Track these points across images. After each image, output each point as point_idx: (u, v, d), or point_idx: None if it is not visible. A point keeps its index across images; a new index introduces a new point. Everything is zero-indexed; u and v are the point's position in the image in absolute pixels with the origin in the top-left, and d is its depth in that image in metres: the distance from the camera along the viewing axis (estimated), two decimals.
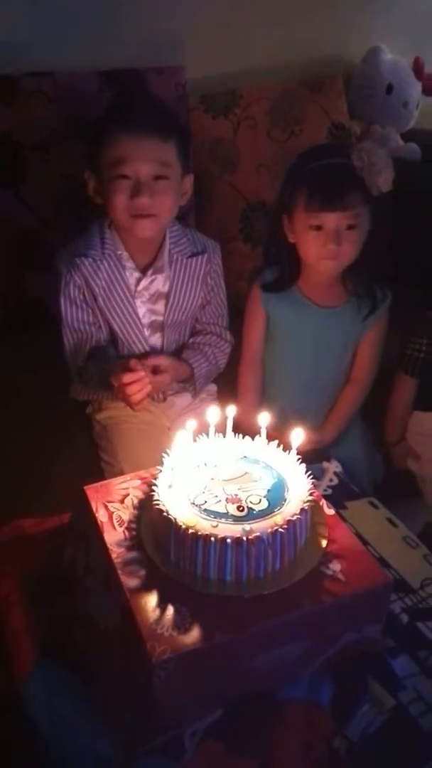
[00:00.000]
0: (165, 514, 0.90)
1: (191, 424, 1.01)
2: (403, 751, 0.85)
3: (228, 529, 0.87)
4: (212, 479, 0.96)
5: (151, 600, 0.86)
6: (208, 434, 1.03)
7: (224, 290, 1.48)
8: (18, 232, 1.62)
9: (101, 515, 0.98)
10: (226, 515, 0.90)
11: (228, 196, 1.83)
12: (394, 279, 1.58)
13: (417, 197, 1.85)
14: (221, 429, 1.03)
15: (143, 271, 1.39)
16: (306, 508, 0.92)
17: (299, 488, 0.95)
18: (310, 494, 0.95)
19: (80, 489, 1.03)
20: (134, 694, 0.85)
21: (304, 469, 0.98)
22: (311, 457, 1.12)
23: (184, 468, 0.97)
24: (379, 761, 0.84)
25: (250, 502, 0.92)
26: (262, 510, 0.91)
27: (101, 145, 1.29)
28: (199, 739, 0.84)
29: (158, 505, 0.91)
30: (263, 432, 1.03)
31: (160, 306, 1.42)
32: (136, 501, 1.01)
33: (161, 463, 0.98)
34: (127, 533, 0.95)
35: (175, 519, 0.89)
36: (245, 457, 1.01)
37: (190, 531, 0.87)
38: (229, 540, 0.86)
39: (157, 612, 0.85)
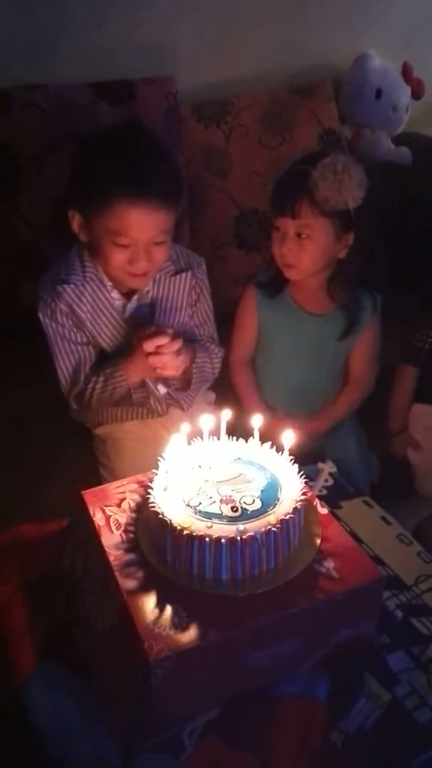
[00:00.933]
0: (160, 516, 0.91)
1: (185, 427, 1.02)
2: (398, 744, 0.86)
3: (222, 530, 0.89)
4: (206, 481, 0.98)
5: (149, 600, 0.88)
6: (202, 437, 1.05)
7: (210, 303, 1.46)
8: (14, 243, 1.65)
9: (99, 519, 1.00)
10: (220, 516, 0.91)
11: (221, 203, 1.85)
12: (387, 282, 1.60)
13: (408, 200, 1.88)
14: (215, 432, 1.05)
15: (127, 296, 1.37)
16: (299, 507, 0.93)
17: (292, 488, 0.96)
18: (303, 494, 0.96)
19: (78, 494, 1.04)
20: (133, 693, 0.86)
21: (297, 469, 0.99)
22: (306, 455, 1.14)
23: (178, 470, 0.98)
24: (375, 754, 0.85)
25: (244, 503, 0.94)
26: (256, 510, 0.93)
27: (98, 206, 1.23)
28: (198, 736, 0.85)
29: (154, 507, 0.93)
30: (256, 434, 1.05)
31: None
32: (132, 504, 1.02)
33: (157, 467, 0.99)
34: (124, 536, 0.97)
35: (170, 520, 0.90)
36: (239, 458, 1.03)
37: (186, 532, 0.88)
38: (223, 540, 0.87)
39: (155, 612, 0.86)
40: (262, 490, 0.96)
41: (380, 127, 2.12)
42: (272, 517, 0.91)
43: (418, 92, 2.17)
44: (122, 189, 1.21)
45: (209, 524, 0.90)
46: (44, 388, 1.45)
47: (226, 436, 1.05)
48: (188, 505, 0.93)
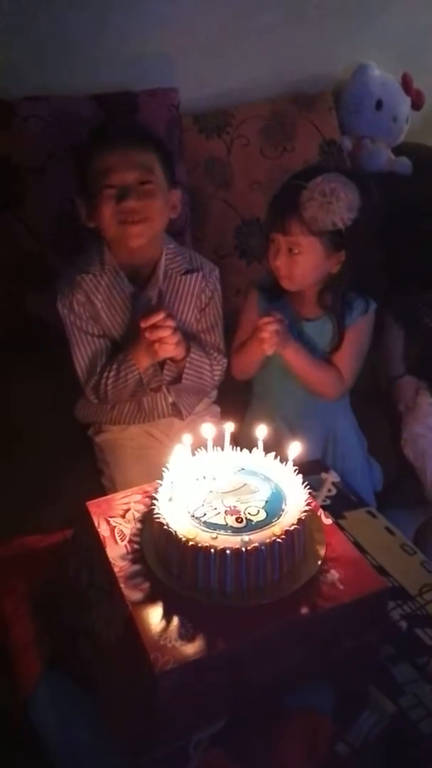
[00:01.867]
0: (165, 527, 0.92)
1: (188, 438, 1.03)
2: (404, 756, 0.86)
3: (227, 541, 0.89)
4: (211, 492, 0.98)
5: (154, 612, 0.88)
6: (206, 448, 1.05)
7: (220, 312, 1.47)
8: (18, 254, 1.65)
9: (103, 530, 1.00)
10: (225, 527, 0.92)
11: (223, 214, 1.86)
12: (388, 291, 1.61)
13: (408, 210, 1.89)
14: (219, 442, 1.05)
15: (140, 287, 1.41)
16: (303, 518, 0.93)
17: (296, 499, 0.97)
18: (308, 504, 0.96)
19: (82, 505, 1.05)
20: (138, 704, 0.86)
21: (301, 480, 0.99)
22: (309, 468, 1.14)
23: (183, 481, 0.99)
24: (381, 766, 0.85)
25: (249, 514, 0.94)
26: (261, 521, 0.93)
27: (87, 165, 1.34)
28: (204, 748, 0.85)
29: (159, 518, 0.93)
30: (260, 444, 1.05)
31: None
32: (137, 515, 1.02)
33: (161, 478, 1.00)
34: (128, 547, 0.97)
35: (175, 532, 0.90)
36: (243, 469, 1.03)
37: (191, 543, 0.89)
38: (228, 551, 0.87)
39: (160, 623, 0.86)
40: (266, 501, 0.97)
41: (380, 137, 2.14)
42: (277, 528, 0.91)
43: (417, 103, 2.18)
44: (95, 139, 1.38)
45: (214, 535, 0.90)
46: (48, 399, 1.46)
47: (230, 446, 1.06)
48: (193, 516, 0.93)
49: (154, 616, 0.88)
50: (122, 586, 0.91)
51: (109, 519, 1.02)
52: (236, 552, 0.88)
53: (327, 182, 1.29)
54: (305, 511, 0.95)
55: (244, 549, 0.88)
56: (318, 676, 0.92)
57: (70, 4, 1.70)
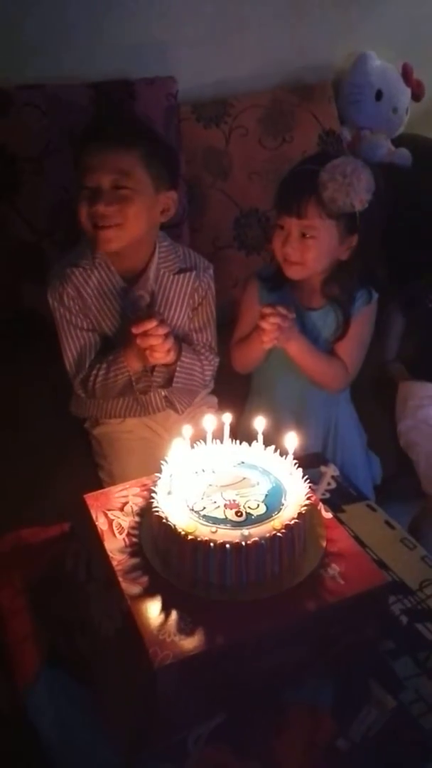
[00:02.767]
0: (164, 520, 0.91)
1: (188, 430, 1.02)
2: (404, 752, 0.86)
3: (227, 535, 0.88)
4: (210, 485, 0.97)
5: (153, 606, 0.87)
6: (205, 441, 1.04)
7: (213, 311, 1.46)
8: (14, 244, 1.64)
9: (101, 523, 0.99)
10: (224, 521, 0.91)
11: (221, 204, 1.85)
12: (388, 283, 1.60)
13: (408, 202, 1.88)
14: (219, 435, 1.04)
15: (130, 284, 1.39)
16: (303, 512, 0.93)
17: (297, 492, 0.96)
18: (308, 498, 0.96)
19: (80, 497, 1.04)
20: (137, 699, 0.85)
21: (301, 474, 0.99)
22: (308, 461, 1.13)
23: (182, 474, 0.98)
24: (381, 762, 0.85)
25: (249, 507, 0.93)
26: (261, 515, 0.92)
27: (75, 159, 1.32)
28: (203, 742, 0.85)
29: (157, 512, 0.92)
30: (260, 437, 1.04)
31: None
32: (135, 508, 1.02)
33: (160, 471, 0.99)
34: (127, 540, 0.96)
35: (174, 525, 0.90)
36: (242, 462, 1.02)
37: (190, 537, 0.88)
38: (228, 545, 0.87)
39: (159, 617, 0.86)
40: (266, 495, 0.96)
41: (380, 128, 2.12)
42: (277, 522, 0.91)
43: (418, 94, 2.17)
44: (84, 141, 1.32)
45: (214, 529, 0.89)
46: (44, 390, 1.45)
47: (229, 439, 1.05)
48: (192, 510, 0.92)
49: (153, 610, 0.87)
50: (121, 579, 0.90)
51: (107, 512, 1.01)
52: (236, 546, 0.87)
53: (346, 164, 1.28)
54: (306, 505, 0.94)
55: (244, 543, 0.87)
56: (318, 670, 0.91)
57: None
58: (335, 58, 2.10)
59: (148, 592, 0.89)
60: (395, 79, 2.12)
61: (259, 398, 1.51)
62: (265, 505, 0.94)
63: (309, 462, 1.17)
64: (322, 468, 1.24)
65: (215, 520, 0.91)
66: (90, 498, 1.04)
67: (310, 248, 1.34)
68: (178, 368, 1.36)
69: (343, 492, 1.22)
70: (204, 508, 0.93)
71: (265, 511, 0.93)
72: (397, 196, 1.71)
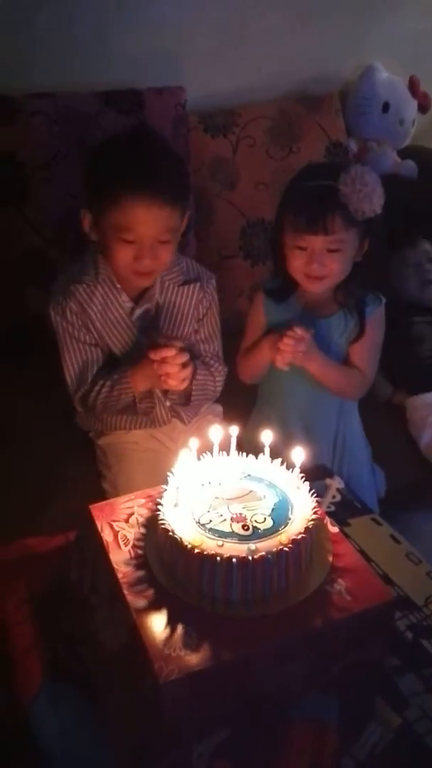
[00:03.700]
0: (171, 533, 0.90)
1: (194, 442, 1.02)
2: None
3: (233, 549, 0.88)
4: (217, 498, 0.97)
5: (158, 620, 0.87)
6: (211, 453, 1.04)
7: (217, 321, 1.46)
8: (22, 250, 1.64)
9: (107, 534, 0.99)
10: (231, 534, 0.90)
11: (228, 214, 1.85)
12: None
13: (413, 213, 1.88)
14: (225, 447, 1.04)
15: (136, 301, 1.39)
16: (310, 526, 0.92)
17: (303, 507, 0.96)
18: (315, 512, 0.95)
19: (85, 508, 1.03)
20: (142, 713, 0.85)
21: (308, 487, 0.98)
22: (313, 473, 1.13)
23: (188, 487, 0.97)
24: None
25: (255, 521, 0.93)
26: (267, 529, 0.92)
27: (106, 202, 1.25)
28: (208, 758, 0.84)
29: (164, 524, 0.92)
30: (267, 450, 1.04)
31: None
32: (141, 520, 1.01)
33: (165, 482, 0.98)
34: (132, 552, 0.96)
35: (180, 538, 0.89)
36: (249, 475, 1.02)
37: (196, 551, 0.87)
38: (234, 560, 0.86)
39: (165, 632, 0.85)
40: (273, 508, 0.95)
41: (386, 140, 2.13)
42: (284, 537, 0.90)
43: (424, 106, 2.17)
44: (129, 186, 1.23)
45: (220, 543, 0.89)
46: (49, 398, 1.44)
47: (236, 451, 1.04)
48: (199, 523, 0.92)
49: (159, 624, 0.86)
50: (126, 592, 0.90)
51: (112, 523, 1.01)
52: (242, 560, 0.86)
53: (360, 172, 1.29)
54: (312, 520, 0.93)
55: (250, 558, 0.87)
56: (323, 687, 0.91)
57: (78, 1, 1.68)
58: (343, 69, 2.11)
59: (154, 606, 0.88)
60: (402, 91, 2.13)
61: (267, 407, 1.51)
62: (272, 519, 0.93)
63: (314, 474, 1.16)
64: (327, 480, 1.24)
65: (222, 534, 0.90)
66: (95, 509, 1.03)
67: (337, 260, 1.34)
68: (194, 388, 1.36)
69: (348, 505, 1.22)
70: (210, 521, 0.92)
71: (272, 525, 0.92)
72: (402, 208, 1.72)
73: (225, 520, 0.93)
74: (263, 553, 0.87)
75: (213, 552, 0.87)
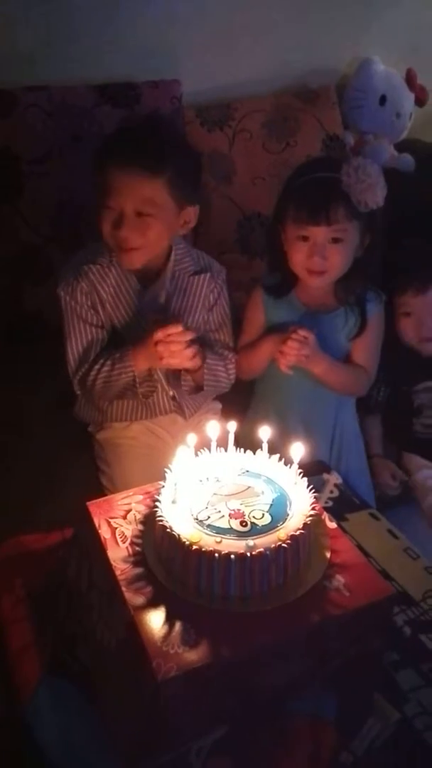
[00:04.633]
0: (169, 530, 0.90)
1: (192, 438, 1.01)
2: (408, 765, 0.85)
3: (232, 545, 0.88)
4: (215, 494, 0.97)
5: (157, 617, 0.86)
6: (209, 449, 1.03)
7: (227, 311, 1.47)
8: (17, 246, 1.63)
9: (104, 531, 0.98)
10: (229, 531, 0.90)
11: (224, 208, 1.84)
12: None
13: (410, 207, 1.87)
14: (223, 443, 1.04)
15: (146, 286, 1.39)
16: (308, 522, 0.92)
17: (301, 503, 0.95)
18: (313, 508, 0.95)
19: (83, 504, 1.03)
20: (140, 710, 0.85)
21: (306, 484, 0.98)
22: (311, 468, 1.12)
23: (186, 483, 0.97)
24: None
25: (253, 517, 0.93)
26: (265, 525, 0.91)
27: (96, 168, 1.29)
28: (206, 755, 0.84)
29: (162, 521, 0.92)
30: (265, 446, 1.03)
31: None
32: (138, 516, 1.01)
33: (163, 478, 0.98)
34: (130, 549, 0.96)
35: (178, 535, 0.89)
36: (247, 471, 1.02)
37: (194, 547, 0.87)
38: (232, 556, 0.86)
39: (163, 629, 0.85)
40: (271, 504, 0.95)
41: (383, 133, 2.12)
42: (282, 533, 0.90)
43: (421, 99, 2.16)
44: (115, 153, 1.28)
45: (218, 539, 0.88)
46: (47, 394, 1.44)
47: (234, 448, 1.04)
48: (197, 519, 0.92)
49: (157, 621, 0.86)
50: (124, 589, 0.90)
51: (110, 520, 1.00)
52: (241, 557, 0.86)
53: (362, 164, 1.29)
54: (310, 516, 0.93)
55: (248, 554, 0.86)
56: (322, 682, 0.91)
57: None
58: (339, 63, 2.10)
59: (152, 603, 0.88)
60: (399, 84, 2.12)
61: (265, 403, 1.50)
62: (270, 515, 0.93)
63: (311, 469, 1.16)
64: (325, 476, 1.23)
65: (220, 530, 0.90)
66: (93, 505, 1.03)
67: (339, 252, 1.33)
68: (206, 371, 1.37)
69: (345, 500, 1.22)
70: (208, 517, 0.92)
71: (270, 521, 0.92)
72: (399, 201, 1.71)
73: (223, 516, 0.93)
74: (261, 549, 0.87)
75: (211, 548, 0.87)
